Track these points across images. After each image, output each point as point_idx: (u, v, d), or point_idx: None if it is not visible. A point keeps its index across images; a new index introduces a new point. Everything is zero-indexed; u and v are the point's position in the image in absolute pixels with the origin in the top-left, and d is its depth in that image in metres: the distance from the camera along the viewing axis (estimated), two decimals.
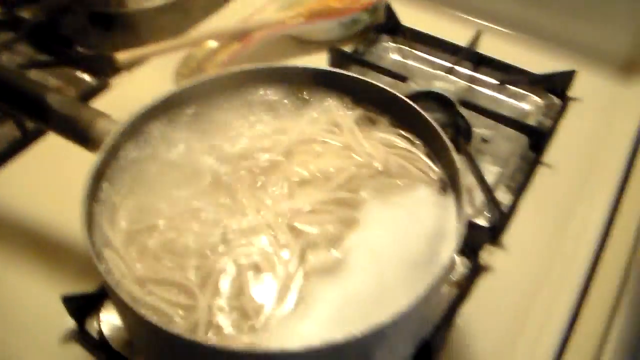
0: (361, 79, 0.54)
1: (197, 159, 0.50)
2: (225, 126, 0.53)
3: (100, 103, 0.75)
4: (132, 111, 0.51)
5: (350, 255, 0.44)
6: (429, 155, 0.51)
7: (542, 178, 0.71)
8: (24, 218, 0.64)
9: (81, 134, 0.52)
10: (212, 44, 0.78)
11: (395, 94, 0.52)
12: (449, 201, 0.48)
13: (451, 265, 0.42)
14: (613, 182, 0.71)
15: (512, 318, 0.58)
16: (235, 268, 0.43)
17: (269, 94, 0.56)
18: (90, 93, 0.77)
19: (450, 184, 0.49)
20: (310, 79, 0.55)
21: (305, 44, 0.85)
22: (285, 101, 0.55)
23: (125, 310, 0.41)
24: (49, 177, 0.67)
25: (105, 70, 0.79)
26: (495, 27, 0.90)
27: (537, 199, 0.68)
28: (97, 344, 0.54)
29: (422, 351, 0.53)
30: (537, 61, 0.83)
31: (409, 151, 0.51)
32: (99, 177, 0.47)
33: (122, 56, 0.69)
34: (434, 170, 0.50)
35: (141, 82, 0.79)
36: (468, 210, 0.59)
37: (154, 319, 0.38)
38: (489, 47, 0.86)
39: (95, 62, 0.80)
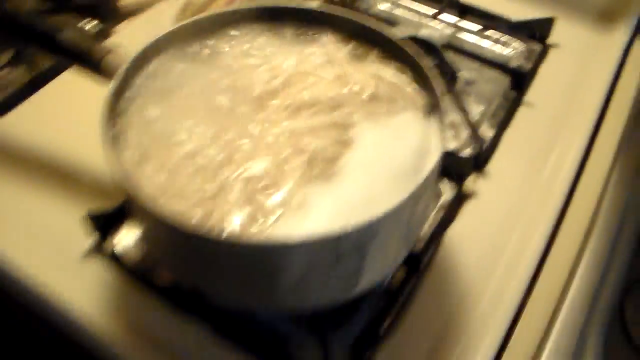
0: (352, 19, 0.58)
1: (203, 88, 0.54)
2: (229, 59, 0.57)
3: None
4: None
5: (343, 169, 0.48)
6: (414, 84, 0.55)
7: (522, 115, 0.76)
8: (42, 149, 0.68)
9: (95, 66, 0.56)
10: None
11: (380, 32, 0.57)
12: (433, 124, 0.53)
13: (433, 174, 0.46)
14: (588, 121, 0.75)
15: (494, 238, 0.63)
16: (243, 180, 0.47)
17: (269, 31, 0.60)
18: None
19: (433, 108, 0.53)
20: (307, 18, 0.59)
21: None
22: (284, 37, 0.59)
23: (146, 216, 0.45)
24: (63, 112, 0.72)
25: (108, 18, 0.83)
26: None
27: (518, 134, 0.73)
28: (115, 259, 0.59)
29: (412, 265, 0.58)
30: (518, 9, 0.88)
31: (396, 81, 0.55)
32: (115, 101, 0.51)
33: (125, 2, 0.72)
34: (419, 97, 0.54)
35: (142, 29, 0.82)
36: (448, 133, 0.63)
37: (175, 218, 0.42)
38: None
39: (98, 10, 0.83)
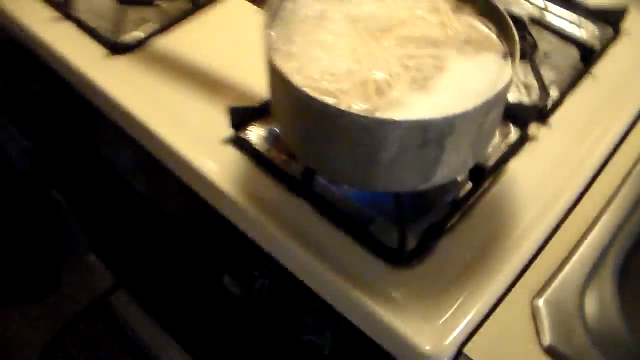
0: None
1: (337, 20, 0.71)
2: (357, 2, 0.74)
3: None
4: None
5: (437, 86, 0.65)
6: (499, 36, 0.71)
7: (586, 85, 0.90)
8: (198, 59, 0.88)
9: None
10: None
11: None
12: (508, 65, 0.68)
13: (503, 94, 0.62)
14: None
15: (545, 176, 0.78)
16: (363, 84, 0.64)
17: None
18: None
19: (510, 54, 0.69)
20: None
21: None
22: None
23: (286, 92, 0.63)
24: (217, 33, 0.93)
25: None
26: None
27: (579, 98, 0.87)
28: (248, 147, 0.77)
29: (477, 178, 0.74)
30: None
31: (485, 31, 0.71)
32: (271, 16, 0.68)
33: None
34: (501, 45, 0.70)
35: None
36: (522, 90, 0.78)
37: (309, 92, 0.59)
38: None
39: None
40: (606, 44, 0.96)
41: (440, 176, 0.65)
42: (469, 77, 0.66)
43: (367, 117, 0.58)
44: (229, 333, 1.11)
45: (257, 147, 0.77)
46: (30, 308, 1.70)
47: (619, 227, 0.74)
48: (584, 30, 0.99)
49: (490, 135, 0.68)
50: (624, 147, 0.83)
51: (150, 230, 1.13)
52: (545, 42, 0.95)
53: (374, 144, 0.60)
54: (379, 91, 0.63)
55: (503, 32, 0.70)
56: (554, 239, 0.73)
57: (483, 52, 0.69)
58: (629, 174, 0.80)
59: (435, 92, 0.64)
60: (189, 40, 0.93)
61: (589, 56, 0.92)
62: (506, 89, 0.63)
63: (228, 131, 0.78)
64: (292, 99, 0.64)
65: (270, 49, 0.65)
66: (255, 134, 0.78)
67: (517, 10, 0.99)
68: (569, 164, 0.79)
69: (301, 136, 0.67)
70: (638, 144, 0.83)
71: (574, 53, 0.94)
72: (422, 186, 0.66)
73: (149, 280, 1.42)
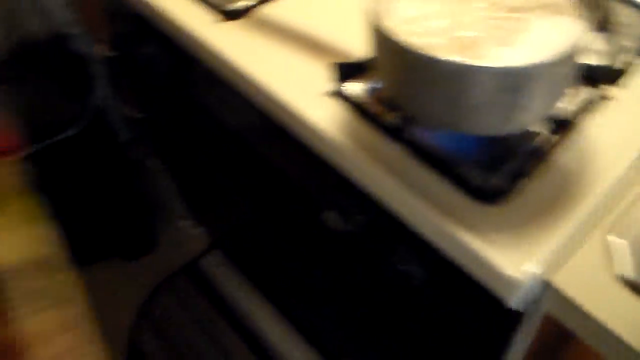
0: None
1: None
2: None
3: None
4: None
5: (522, 43, 0.74)
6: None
7: None
8: (304, 22, 1.00)
9: None
10: None
11: None
12: (582, 25, 0.77)
13: (577, 46, 0.71)
14: None
15: (619, 134, 0.85)
16: (458, 39, 0.74)
17: None
18: None
19: (584, 17, 0.77)
20: None
21: None
22: None
23: (386, 43, 0.73)
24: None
25: None
26: None
27: None
28: (349, 99, 0.88)
29: (556, 126, 0.82)
30: None
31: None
32: None
33: None
34: (576, 10, 0.78)
35: None
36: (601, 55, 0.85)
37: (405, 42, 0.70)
38: None
39: None
40: None
41: (519, 122, 0.74)
42: (547, 35, 0.75)
43: (458, 63, 0.68)
44: (323, 278, 1.22)
45: (358, 99, 0.87)
46: (129, 265, 1.86)
47: None
48: None
49: (564, 87, 0.76)
50: None
51: (252, 181, 1.25)
52: (624, 15, 1.02)
53: (463, 88, 0.70)
54: (469, 46, 0.73)
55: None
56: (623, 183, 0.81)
57: (560, 15, 0.77)
58: None
59: (518, 48, 0.73)
60: (293, 7, 1.05)
61: None
62: (579, 42, 0.71)
63: (331, 85, 0.89)
64: (395, 53, 0.74)
65: (374, 8, 0.75)
66: (356, 87, 0.89)
67: None
68: None
69: (403, 86, 0.77)
70: None
71: None
72: (504, 130, 0.75)
73: (244, 237, 1.55)
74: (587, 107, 0.87)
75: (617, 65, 0.92)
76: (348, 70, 0.89)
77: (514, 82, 0.69)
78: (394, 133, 0.84)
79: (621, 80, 0.91)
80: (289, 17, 1.03)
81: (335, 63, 0.88)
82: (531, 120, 0.76)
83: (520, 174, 0.80)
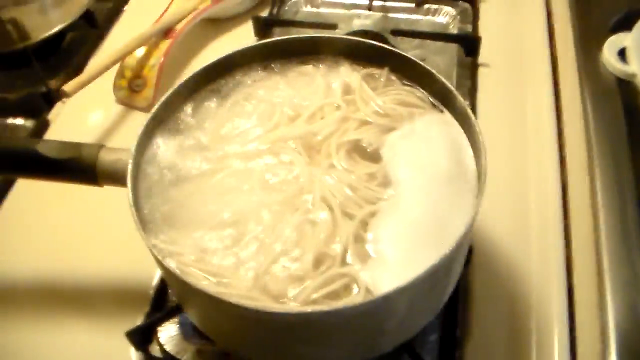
0: (359, 41, 0.58)
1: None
2: (252, 99, 0.57)
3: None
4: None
5: (398, 190, 0.49)
6: (424, 91, 0.56)
7: (485, 78, 0.77)
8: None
9: (88, 172, 0.52)
10: (139, 50, 0.77)
11: (392, 50, 0.57)
12: (449, 117, 0.54)
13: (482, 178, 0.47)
14: (545, 64, 0.79)
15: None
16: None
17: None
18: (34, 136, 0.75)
19: (444, 104, 0.54)
20: (312, 48, 0.59)
21: (225, 21, 0.86)
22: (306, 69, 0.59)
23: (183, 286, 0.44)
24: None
25: (38, 109, 0.77)
26: None
27: (489, 96, 0.75)
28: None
29: None
30: None
31: (406, 90, 0.56)
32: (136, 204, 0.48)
33: (69, 87, 0.68)
34: (428, 99, 0.55)
35: (82, 106, 0.77)
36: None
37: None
38: None
39: (26, 104, 0.77)
40: (473, 22, 0.84)
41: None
42: (423, 160, 0.51)
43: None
44: None
45: (177, 356, 0.56)
46: None
47: None
48: (441, 16, 0.87)
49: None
50: (566, 123, 0.73)
51: None
52: (412, 49, 0.81)
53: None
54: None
55: (422, 81, 0.56)
56: None
57: (414, 119, 0.54)
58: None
59: (401, 204, 0.48)
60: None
61: (472, 46, 0.79)
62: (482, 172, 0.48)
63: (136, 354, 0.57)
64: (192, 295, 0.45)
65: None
66: (166, 337, 0.57)
67: (360, 23, 0.84)
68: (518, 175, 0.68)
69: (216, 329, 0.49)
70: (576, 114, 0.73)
71: (448, 47, 0.81)
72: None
73: None
74: None
75: None
76: (147, 331, 0.57)
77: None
78: None
79: None
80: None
81: (128, 331, 0.55)
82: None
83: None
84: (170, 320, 0.57)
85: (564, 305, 0.57)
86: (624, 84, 0.73)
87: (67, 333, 0.59)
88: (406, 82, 0.57)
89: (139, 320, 0.58)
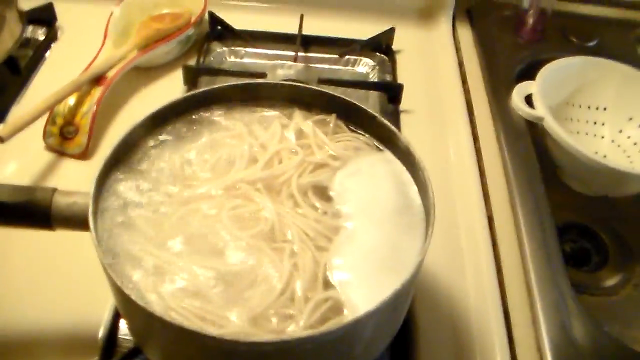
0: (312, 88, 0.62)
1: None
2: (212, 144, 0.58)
3: None
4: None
5: (354, 225, 0.52)
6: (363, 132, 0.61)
7: (407, 123, 0.83)
8: None
9: (42, 216, 0.51)
10: (70, 98, 0.77)
11: (341, 98, 0.61)
12: (390, 155, 0.58)
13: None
14: (461, 106, 0.86)
15: None
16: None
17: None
18: None
19: (387, 145, 0.59)
20: (264, 93, 0.61)
21: (154, 69, 0.87)
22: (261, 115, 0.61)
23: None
24: None
25: None
26: (318, 9, 0.98)
27: (412, 139, 0.79)
28: None
29: None
30: (358, 29, 0.94)
31: (353, 135, 0.61)
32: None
33: (4, 131, 0.66)
34: (372, 141, 0.60)
35: (13, 150, 0.74)
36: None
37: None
38: (315, 28, 0.94)
39: None
40: (391, 72, 0.90)
41: None
42: (371, 195, 0.55)
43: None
44: None
45: None
46: None
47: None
48: (361, 67, 0.93)
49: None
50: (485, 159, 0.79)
51: None
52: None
53: None
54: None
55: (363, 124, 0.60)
56: None
57: (359, 158, 0.58)
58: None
59: (354, 237, 0.51)
60: None
61: (395, 93, 0.85)
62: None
63: None
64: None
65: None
66: None
67: (283, 73, 0.89)
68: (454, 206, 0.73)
69: None
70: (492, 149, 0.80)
71: (370, 95, 0.87)
72: None
73: None
74: None
75: None
76: None
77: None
78: None
79: None
80: None
81: None
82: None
83: None
84: None
85: (502, 326, 0.62)
86: (532, 125, 0.80)
87: None
88: (351, 127, 0.61)
89: None
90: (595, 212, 0.86)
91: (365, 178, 0.56)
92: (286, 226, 0.51)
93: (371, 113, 0.59)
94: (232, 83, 0.62)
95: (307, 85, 0.62)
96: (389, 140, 0.58)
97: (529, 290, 0.64)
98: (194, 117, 0.60)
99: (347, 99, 0.60)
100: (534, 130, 0.80)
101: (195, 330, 0.42)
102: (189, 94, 0.59)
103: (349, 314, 0.45)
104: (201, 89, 0.60)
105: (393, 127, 0.57)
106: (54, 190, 0.52)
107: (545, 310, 0.62)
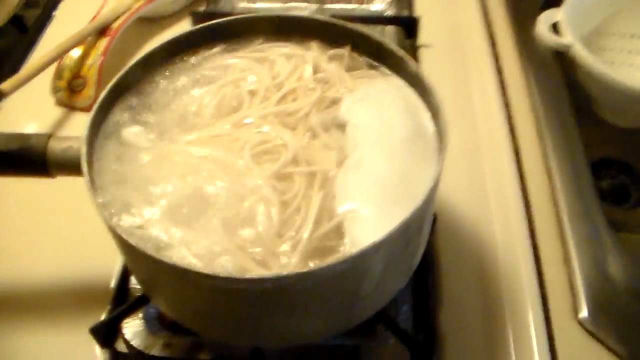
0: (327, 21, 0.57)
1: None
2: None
3: None
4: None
5: (362, 152, 0.49)
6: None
7: (427, 58, 0.78)
8: None
9: (39, 162, 0.50)
10: (75, 51, 0.74)
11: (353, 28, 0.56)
12: (399, 81, 0.54)
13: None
14: (483, 40, 0.80)
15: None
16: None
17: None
18: None
19: (398, 72, 0.54)
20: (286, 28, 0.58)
21: (161, 20, 0.84)
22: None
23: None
24: None
25: None
26: None
27: (432, 75, 0.75)
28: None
29: None
30: None
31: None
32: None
33: (6, 85, 0.64)
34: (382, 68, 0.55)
35: (22, 106, 0.74)
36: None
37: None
38: None
39: None
40: (408, 6, 0.86)
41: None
42: (382, 124, 0.51)
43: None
44: None
45: (145, 351, 0.53)
46: None
47: None
48: (377, 4, 0.88)
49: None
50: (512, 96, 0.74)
51: None
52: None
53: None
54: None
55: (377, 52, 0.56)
56: None
57: (371, 83, 0.54)
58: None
59: (366, 165, 0.48)
60: None
61: (412, 27, 0.80)
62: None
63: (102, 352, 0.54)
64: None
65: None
66: (132, 333, 0.54)
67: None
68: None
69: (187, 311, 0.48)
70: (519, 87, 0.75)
71: (384, 32, 0.82)
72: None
73: None
74: None
75: None
76: (112, 325, 0.54)
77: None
78: None
79: None
80: None
81: (92, 327, 0.52)
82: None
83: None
84: (135, 314, 0.54)
85: (531, 264, 0.58)
86: (560, 55, 0.75)
87: (28, 335, 0.56)
88: (366, 58, 0.56)
89: (102, 317, 0.54)
90: (636, 147, 0.81)
91: (374, 104, 0.52)
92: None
93: (377, 40, 0.54)
94: (241, 16, 0.58)
95: (312, 16, 0.58)
96: (399, 67, 0.54)
97: (560, 226, 0.60)
98: (200, 55, 0.57)
99: (351, 26, 0.56)
100: (563, 64, 0.75)
101: (186, 267, 0.39)
102: (192, 28, 0.56)
103: (352, 248, 0.42)
104: (207, 23, 0.57)
105: (401, 52, 0.53)
106: (49, 136, 0.50)
107: (579, 246, 0.58)
